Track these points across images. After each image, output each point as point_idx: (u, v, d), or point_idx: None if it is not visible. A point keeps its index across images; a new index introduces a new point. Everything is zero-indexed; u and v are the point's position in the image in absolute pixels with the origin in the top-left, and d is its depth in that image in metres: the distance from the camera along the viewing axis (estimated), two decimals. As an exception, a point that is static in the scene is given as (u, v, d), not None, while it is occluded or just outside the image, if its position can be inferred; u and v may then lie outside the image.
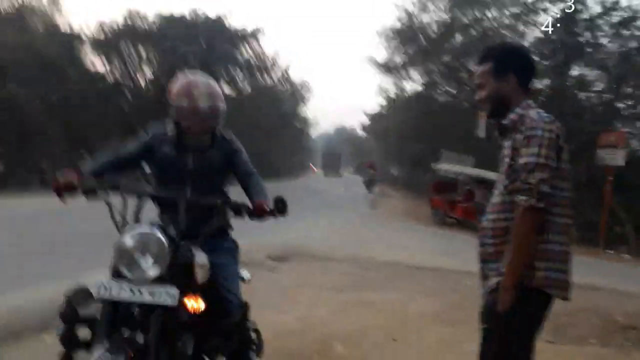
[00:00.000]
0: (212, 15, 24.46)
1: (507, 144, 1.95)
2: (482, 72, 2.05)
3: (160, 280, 1.99)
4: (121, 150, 2.56)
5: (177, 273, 2.05)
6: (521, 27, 18.97)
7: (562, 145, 1.87)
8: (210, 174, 2.53)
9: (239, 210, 2.29)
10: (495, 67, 2.01)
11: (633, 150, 16.44)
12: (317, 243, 8.97)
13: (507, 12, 18.70)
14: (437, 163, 18.86)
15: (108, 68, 22.34)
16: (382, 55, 28.21)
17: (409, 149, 28.45)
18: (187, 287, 2.08)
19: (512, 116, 1.96)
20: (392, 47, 21.89)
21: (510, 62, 2.03)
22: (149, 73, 24.25)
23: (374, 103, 46.89)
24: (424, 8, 20.58)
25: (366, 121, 41.76)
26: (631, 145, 16.24)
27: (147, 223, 2.16)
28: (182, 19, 23.89)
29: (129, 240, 2.01)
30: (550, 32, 17.24)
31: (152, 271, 1.99)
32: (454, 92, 23.19)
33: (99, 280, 1.97)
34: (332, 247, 8.89)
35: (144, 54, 23.34)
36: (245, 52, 25.84)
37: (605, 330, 5.22)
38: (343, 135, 70.20)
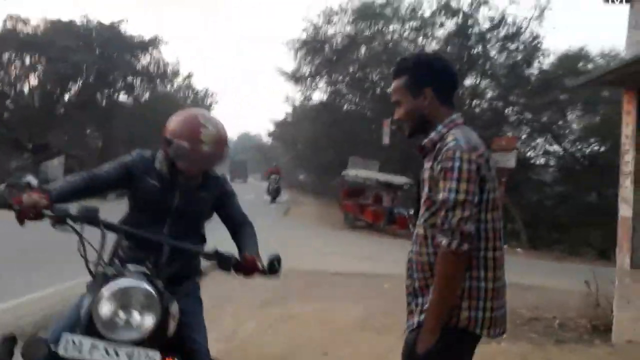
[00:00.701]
0: (106, 21, 23.09)
1: (426, 165, 1.75)
2: (397, 87, 1.83)
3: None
4: (96, 172, 2.21)
5: (155, 329, 1.76)
6: (421, 40, 20.10)
7: (486, 173, 1.66)
8: (193, 215, 2.28)
9: (226, 263, 2.05)
10: (409, 82, 1.80)
11: (521, 153, 18.04)
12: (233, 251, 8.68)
13: (407, 26, 19.72)
14: (346, 169, 19.29)
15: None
16: (290, 65, 28.36)
17: (317, 155, 28.82)
18: (164, 346, 1.80)
19: (432, 135, 1.76)
20: (299, 57, 22.12)
21: (426, 75, 1.80)
22: (34, 81, 22.26)
23: (280, 110, 46.92)
24: (328, 21, 21.06)
25: (272, 128, 41.65)
26: (519, 148, 17.81)
27: (129, 270, 1.86)
28: (71, 24, 22.14)
29: (112, 294, 1.69)
30: (446, 45, 18.44)
31: (138, 331, 1.71)
32: (359, 101, 23.92)
33: (65, 335, 1.65)
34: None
35: (27, 61, 21.34)
36: (144, 59, 24.64)
37: (513, 324, 5.56)
38: (247, 142, 69.43)
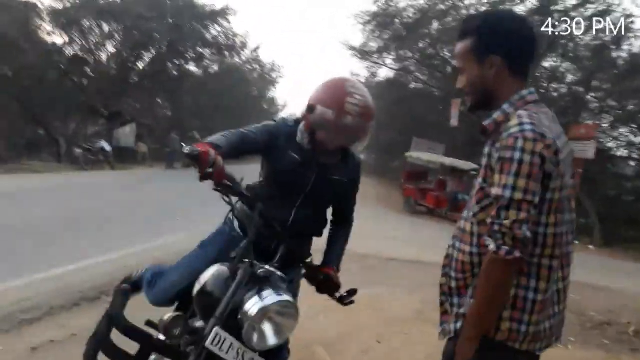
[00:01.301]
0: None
1: (485, 150, 1.48)
2: (461, 51, 1.55)
3: None
4: (246, 132, 2.07)
5: None
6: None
7: (552, 169, 1.37)
8: (325, 197, 2.12)
9: (314, 278, 2.04)
10: (475, 46, 1.51)
11: (600, 143, 16.78)
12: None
13: (484, 0, 18.62)
14: (409, 151, 18.82)
15: (66, 41, 21.17)
16: (357, 39, 27.87)
17: (381, 135, 28.42)
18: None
19: (496, 115, 1.48)
20: (367, 31, 21.60)
21: (494, 39, 1.48)
22: (111, 49, 23.23)
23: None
24: (401, -8, 20.33)
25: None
26: (599, 138, 16.56)
27: (279, 282, 1.80)
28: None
29: (269, 307, 1.70)
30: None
31: (273, 342, 1.73)
32: (427, 79, 23.13)
33: (217, 330, 1.66)
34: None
35: (105, 29, 22.24)
36: (214, 30, 25.04)
37: (583, 327, 5.18)
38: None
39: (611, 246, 14.97)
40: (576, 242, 13.38)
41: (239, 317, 1.68)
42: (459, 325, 1.50)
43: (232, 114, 32.92)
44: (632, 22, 16.80)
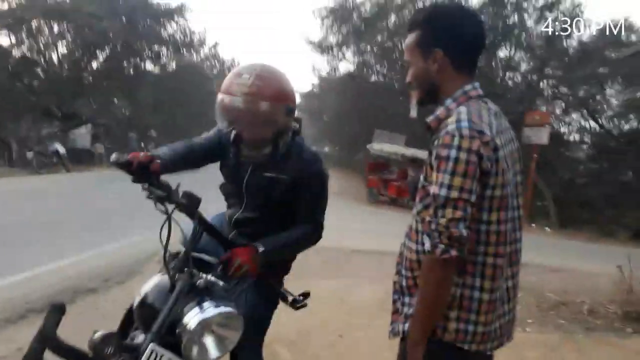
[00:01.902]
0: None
1: (430, 148, 1.43)
2: (408, 44, 1.51)
3: None
4: (195, 141, 2.01)
5: None
6: (452, 8, 19.25)
7: (491, 166, 1.33)
8: (262, 198, 1.96)
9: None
10: (420, 39, 1.47)
11: (554, 129, 17.36)
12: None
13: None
14: (372, 143, 18.96)
15: (13, 42, 20.27)
16: (316, 34, 27.83)
17: (343, 128, 28.54)
18: None
19: (439, 112, 1.45)
20: (326, 25, 21.59)
21: (439, 33, 1.45)
22: (62, 49, 22.42)
23: (306, 81, 46.51)
24: (358, -14, 20.41)
25: (298, 99, 41.43)
26: (552, 124, 17.13)
27: (221, 292, 1.71)
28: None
29: (202, 327, 1.60)
30: (480, 14, 17.63)
31: (214, 356, 1.64)
32: (387, 72, 23.33)
33: (154, 346, 1.56)
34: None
35: (55, 29, 21.43)
36: (170, 27, 24.51)
37: (540, 309, 5.33)
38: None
39: (566, 228, 15.52)
40: (533, 224, 13.81)
41: (178, 330, 1.60)
42: (406, 326, 1.47)
43: (193, 111, 32.37)
44: (581, 12, 17.40)
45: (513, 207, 1.45)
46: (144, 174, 1.67)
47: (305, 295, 2.03)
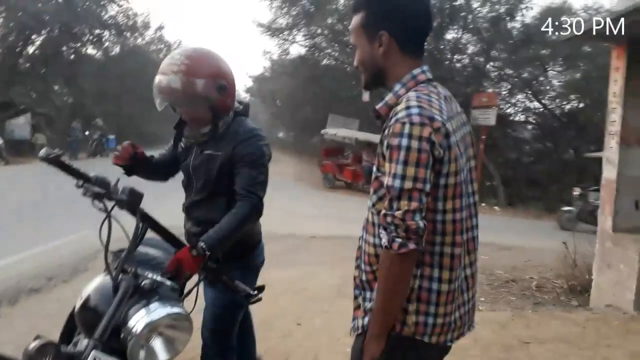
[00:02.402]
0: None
1: (381, 137, 1.37)
2: (353, 26, 1.44)
3: None
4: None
5: None
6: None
7: (443, 153, 1.28)
8: (205, 176, 2.00)
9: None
10: (365, 21, 1.40)
11: (500, 109, 17.89)
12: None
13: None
14: (326, 128, 18.96)
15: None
16: (266, 16, 27.26)
17: (296, 112, 28.35)
18: None
19: (387, 98, 1.38)
20: (275, 7, 21.18)
21: (383, 14, 1.38)
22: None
23: (257, 64, 45.71)
24: (306, -32, 20.08)
25: (249, 83, 40.69)
26: (499, 105, 17.65)
27: (169, 292, 1.61)
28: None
29: (157, 322, 1.51)
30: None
31: (164, 358, 1.55)
32: (339, 55, 23.26)
33: (96, 353, 1.45)
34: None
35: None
36: (112, 10, 23.37)
37: (491, 286, 5.52)
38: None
39: (514, 206, 16.16)
40: (483, 204, 14.12)
41: (123, 335, 1.51)
42: (366, 320, 1.43)
43: (140, 96, 31.22)
44: (525, -6, 17.87)
45: (468, 193, 1.41)
46: (74, 171, 1.56)
47: (260, 288, 1.97)
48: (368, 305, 1.44)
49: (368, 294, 1.44)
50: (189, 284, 1.75)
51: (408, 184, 1.25)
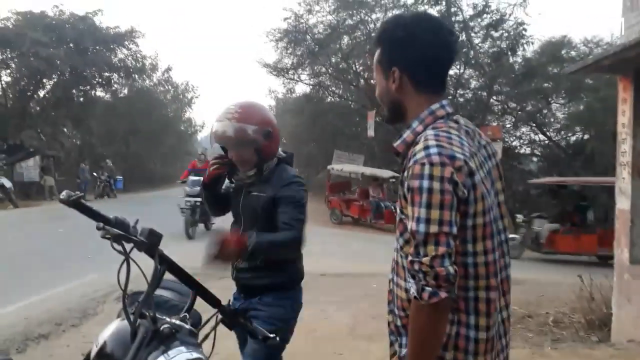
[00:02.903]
0: (79, 12, 22.29)
1: (402, 177, 1.31)
2: (374, 63, 1.42)
3: None
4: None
5: None
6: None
7: (468, 192, 1.22)
8: (253, 216, 2.20)
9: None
10: (380, 57, 1.37)
11: (506, 142, 17.95)
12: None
13: (390, 14, 19.38)
14: (331, 163, 19.04)
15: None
16: (271, 56, 27.91)
17: (301, 149, 28.57)
18: None
19: (405, 135, 1.33)
20: (280, 48, 21.69)
21: (394, 49, 1.34)
22: (6, 78, 21.49)
23: (262, 103, 45.96)
24: (309, 10, 20.63)
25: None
26: (504, 138, 17.71)
27: (189, 337, 1.56)
28: (43, 16, 21.30)
29: None
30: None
31: None
32: (342, 92, 23.63)
33: None
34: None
35: (-1, 57, 20.56)
36: (121, 53, 23.96)
37: (508, 321, 5.38)
38: (233, 138, 68.55)
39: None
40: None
41: None
42: None
43: (148, 137, 31.60)
44: (525, 30, 18.25)
45: (499, 230, 1.33)
46: (95, 213, 1.53)
47: (277, 331, 1.91)
48: (404, 351, 1.35)
49: (404, 340, 1.36)
50: (206, 329, 1.70)
51: (434, 228, 1.18)
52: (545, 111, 19.72)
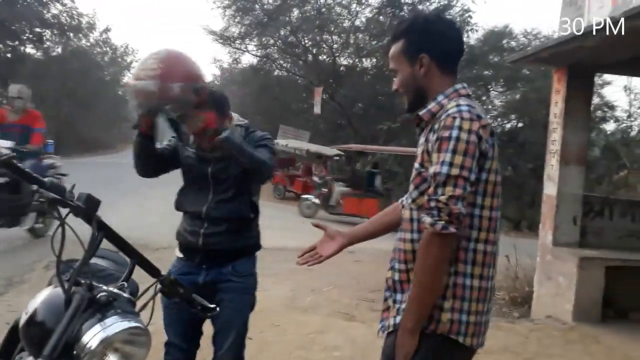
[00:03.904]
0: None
1: (421, 139, 1.53)
2: (393, 53, 1.61)
3: None
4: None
5: None
6: (354, 7, 19.76)
7: (488, 149, 1.42)
8: (233, 178, 2.19)
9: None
10: (405, 47, 1.58)
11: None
12: (155, 231, 8.13)
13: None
14: (276, 139, 18.92)
15: None
16: (218, 24, 26.98)
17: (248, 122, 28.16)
18: None
19: (431, 106, 1.53)
20: (227, 16, 20.97)
21: (422, 39, 1.57)
22: None
23: (206, 72, 45.30)
24: (261, -22, 20.06)
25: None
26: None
27: (127, 305, 1.48)
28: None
29: (113, 337, 1.38)
30: (379, 14, 18.30)
31: None
32: (291, 67, 23.35)
33: None
34: (169, 233, 8.14)
35: None
36: (55, 8, 22.32)
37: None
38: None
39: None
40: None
41: (75, 352, 1.39)
42: (398, 319, 1.47)
43: (82, 100, 29.92)
44: (470, 17, 18.72)
45: (499, 196, 1.50)
46: (28, 175, 1.43)
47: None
48: (401, 305, 1.49)
49: (399, 296, 1.51)
50: (145, 297, 1.66)
51: (455, 171, 1.35)
52: (484, 98, 20.46)
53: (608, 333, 4.36)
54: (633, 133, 16.77)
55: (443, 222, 1.34)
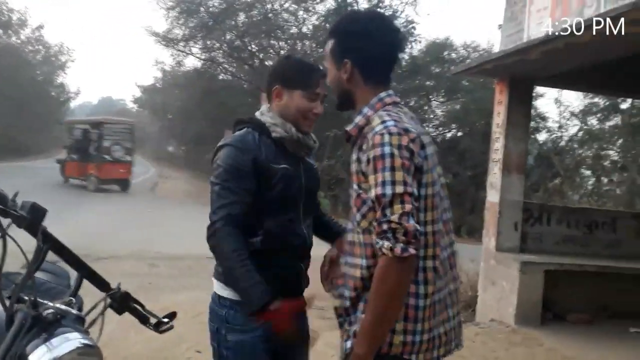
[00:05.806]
0: None
1: (353, 156, 1.43)
2: (325, 52, 1.55)
3: None
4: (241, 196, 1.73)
5: None
6: (301, 14, 19.83)
7: (422, 162, 1.35)
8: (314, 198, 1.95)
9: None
10: (332, 49, 1.50)
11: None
12: (91, 239, 7.72)
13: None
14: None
15: None
16: (161, 25, 26.24)
17: (189, 126, 27.52)
18: None
19: (357, 120, 1.44)
20: (171, 17, 20.41)
21: (347, 42, 1.46)
22: None
23: (148, 74, 43.71)
24: (206, -20, 19.67)
25: (138, 93, 38.52)
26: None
27: (75, 323, 1.36)
28: None
29: (61, 358, 1.25)
30: (325, 22, 18.46)
31: None
32: (236, 71, 23.06)
33: None
34: (111, 242, 7.78)
35: None
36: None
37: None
38: (110, 107, 63.44)
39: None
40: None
41: None
42: (349, 344, 1.40)
43: (11, 101, 28.10)
44: (414, 28, 19.25)
45: (444, 209, 1.46)
46: None
47: (171, 316, 1.80)
48: (348, 328, 1.42)
49: (352, 317, 1.42)
50: (94, 313, 1.54)
51: (399, 189, 1.27)
52: (426, 107, 21.08)
53: (549, 335, 4.55)
54: (562, 143, 17.79)
55: (401, 244, 1.24)
